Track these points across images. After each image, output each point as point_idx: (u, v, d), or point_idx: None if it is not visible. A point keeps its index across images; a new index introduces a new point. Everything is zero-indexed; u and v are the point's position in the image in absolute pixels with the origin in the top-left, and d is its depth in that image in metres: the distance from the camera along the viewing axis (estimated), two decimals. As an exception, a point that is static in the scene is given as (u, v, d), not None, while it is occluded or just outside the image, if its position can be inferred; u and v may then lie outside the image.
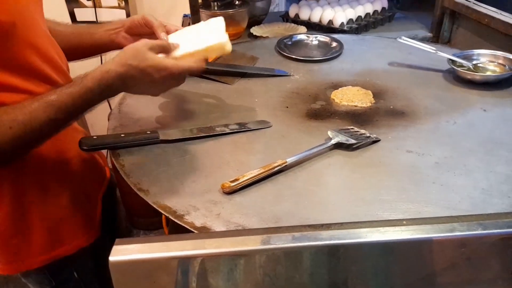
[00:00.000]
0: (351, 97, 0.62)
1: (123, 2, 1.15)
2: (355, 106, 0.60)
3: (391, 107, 0.60)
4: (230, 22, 0.96)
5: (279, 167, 0.45)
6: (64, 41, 0.54)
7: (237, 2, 0.99)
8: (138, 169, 0.46)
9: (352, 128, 0.53)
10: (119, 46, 0.54)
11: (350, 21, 1.00)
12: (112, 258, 0.30)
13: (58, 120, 0.42)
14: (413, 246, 0.32)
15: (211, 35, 0.52)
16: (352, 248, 0.31)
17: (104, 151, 0.59)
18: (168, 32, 0.53)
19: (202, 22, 0.57)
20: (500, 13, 0.81)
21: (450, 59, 0.68)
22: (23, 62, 0.43)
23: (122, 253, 0.30)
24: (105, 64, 0.44)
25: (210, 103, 0.61)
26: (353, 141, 0.50)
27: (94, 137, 0.48)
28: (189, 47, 0.50)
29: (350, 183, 0.45)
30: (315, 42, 0.82)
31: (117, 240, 0.31)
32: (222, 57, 0.73)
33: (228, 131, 0.53)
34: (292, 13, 1.06)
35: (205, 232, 0.37)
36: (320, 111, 0.59)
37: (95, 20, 1.17)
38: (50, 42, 0.48)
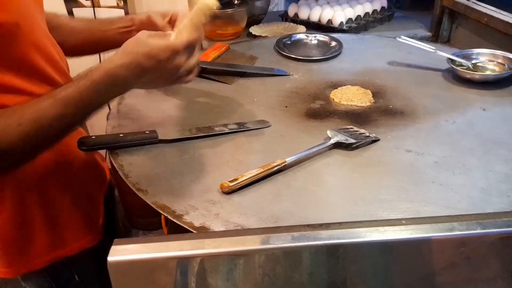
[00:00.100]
0: (351, 97, 0.62)
1: (122, 1, 1.15)
2: (355, 105, 0.60)
3: (391, 106, 0.60)
4: (229, 21, 0.96)
5: (278, 166, 0.45)
6: (77, 37, 0.54)
7: (236, 2, 0.99)
8: (137, 169, 0.46)
9: (351, 128, 0.53)
10: None
11: (349, 20, 1.00)
12: (111, 258, 0.29)
13: (67, 115, 0.40)
14: (412, 246, 0.32)
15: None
16: (351, 248, 0.31)
17: (103, 152, 0.59)
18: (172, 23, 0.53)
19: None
20: (500, 12, 0.81)
21: (449, 59, 0.68)
22: (27, 62, 0.43)
23: (121, 253, 0.30)
24: (110, 57, 0.43)
25: (209, 103, 0.61)
26: (352, 141, 0.49)
27: (93, 137, 0.48)
28: (179, 25, 0.49)
29: (349, 182, 0.45)
30: (314, 42, 0.81)
31: (115, 240, 0.31)
32: (221, 57, 0.73)
33: (227, 130, 0.53)
34: (291, 13, 1.06)
35: (204, 232, 0.37)
36: (319, 110, 0.59)
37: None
38: (51, 42, 0.48)
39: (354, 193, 0.43)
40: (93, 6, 1.14)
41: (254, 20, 1.03)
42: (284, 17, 1.08)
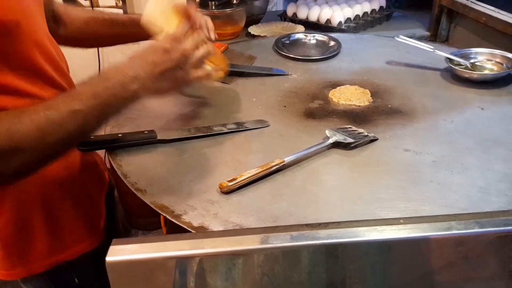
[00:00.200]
0: (349, 96, 0.62)
1: (121, 1, 1.15)
2: (353, 105, 0.60)
3: (389, 106, 0.60)
4: (228, 21, 0.96)
5: (277, 166, 0.45)
6: (108, 29, 0.56)
7: (234, 2, 0.99)
8: (135, 169, 0.46)
9: (350, 127, 0.53)
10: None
11: (348, 20, 1.00)
12: (109, 258, 0.29)
13: (79, 112, 0.38)
14: (410, 245, 0.32)
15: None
16: (350, 247, 0.31)
17: (102, 153, 0.59)
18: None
19: None
20: (498, 12, 0.81)
21: (447, 58, 0.68)
22: (28, 62, 0.43)
23: (119, 253, 0.30)
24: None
25: (207, 103, 0.61)
26: (351, 140, 0.49)
27: (92, 137, 0.48)
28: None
29: (348, 182, 0.45)
30: (313, 41, 0.81)
31: (114, 240, 0.31)
32: (219, 57, 0.73)
33: (225, 130, 0.53)
34: (290, 12, 1.06)
35: (202, 232, 0.37)
36: (318, 110, 0.59)
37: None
38: (50, 42, 0.48)
39: (353, 192, 0.43)
40: (92, 6, 1.14)
41: (253, 19, 1.03)
42: (282, 16, 1.08)
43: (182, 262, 0.31)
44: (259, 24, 1.03)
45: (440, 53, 0.68)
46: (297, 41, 0.81)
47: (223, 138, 0.52)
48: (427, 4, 1.00)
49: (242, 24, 0.98)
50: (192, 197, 0.42)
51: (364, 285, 0.33)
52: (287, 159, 0.45)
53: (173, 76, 0.43)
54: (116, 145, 0.49)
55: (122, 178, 0.45)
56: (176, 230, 0.39)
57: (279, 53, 0.76)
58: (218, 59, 0.56)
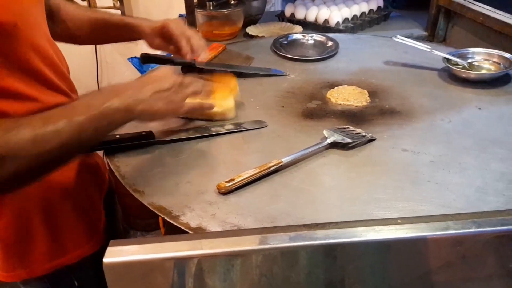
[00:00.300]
0: (347, 96, 0.62)
1: (118, 2, 1.15)
2: (351, 105, 0.60)
3: (387, 106, 0.60)
4: (226, 21, 0.96)
5: (275, 167, 0.45)
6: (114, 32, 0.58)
7: (232, 2, 0.99)
8: (133, 170, 0.46)
9: (347, 127, 0.53)
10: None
11: (345, 20, 1.00)
12: (107, 259, 0.29)
13: (75, 123, 0.38)
14: (408, 245, 0.32)
15: None
16: (348, 247, 0.31)
17: (101, 153, 0.58)
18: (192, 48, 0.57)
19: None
20: (495, 12, 0.81)
21: (445, 58, 0.68)
22: (26, 65, 0.43)
23: (117, 254, 0.30)
24: None
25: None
26: (348, 140, 0.50)
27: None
28: None
29: (346, 182, 0.45)
30: (311, 42, 0.82)
31: (111, 241, 0.31)
32: (217, 57, 0.73)
33: (223, 131, 0.53)
34: (287, 13, 1.06)
35: (200, 233, 0.37)
36: (315, 110, 0.59)
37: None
38: (51, 44, 0.48)
39: (351, 192, 0.43)
40: (89, 6, 1.13)
41: (251, 20, 1.03)
42: (280, 17, 1.08)
43: (180, 263, 0.30)
44: (257, 24, 1.02)
45: (438, 53, 0.69)
46: (295, 41, 0.81)
47: (221, 138, 0.52)
48: (425, 4, 1.01)
49: (240, 24, 0.98)
50: (190, 198, 0.42)
51: (363, 286, 0.33)
52: (285, 160, 0.45)
53: (167, 98, 0.44)
54: (113, 146, 0.49)
55: (120, 179, 0.45)
56: (174, 231, 0.39)
57: (277, 53, 0.76)
58: (226, 88, 0.58)
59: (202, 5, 0.96)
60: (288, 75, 0.69)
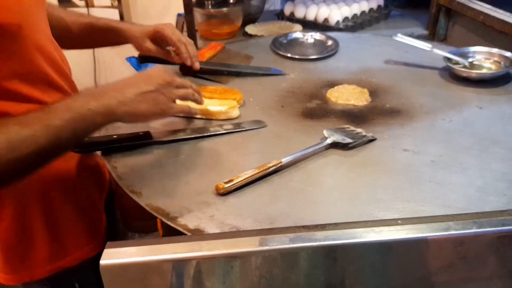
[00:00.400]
0: (347, 96, 0.61)
1: (116, 1, 1.14)
2: (351, 104, 0.60)
3: (387, 105, 0.60)
4: (224, 20, 0.96)
5: (274, 167, 0.44)
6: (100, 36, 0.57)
7: (231, 1, 0.98)
8: (130, 171, 0.45)
9: (348, 127, 0.53)
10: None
11: (345, 19, 1.00)
12: (103, 261, 0.29)
13: (52, 126, 0.38)
14: (408, 246, 0.31)
15: None
16: (347, 249, 0.31)
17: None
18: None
19: None
20: (495, 11, 0.81)
21: (446, 57, 0.68)
22: (30, 66, 0.42)
23: (114, 256, 0.29)
24: None
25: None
26: (349, 140, 0.49)
27: (86, 138, 0.47)
28: None
29: (346, 182, 0.44)
30: (311, 41, 0.81)
31: (108, 243, 0.30)
32: (216, 57, 0.72)
33: (222, 131, 0.52)
34: (287, 11, 1.06)
35: (199, 234, 0.37)
36: (315, 110, 0.59)
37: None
38: (53, 45, 0.47)
39: (351, 193, 0.43)
40: (87, 6, 1.13)
41: (250, 19, 1.02)
42: (280, 16, 1.07)
43: (178, 265, 0.30)
44: (256, 23, 1.02)
45: (438, 52, 0.68)
46: (295, 40, 0.81)
47: (219, 139, 0.51)
48: (425, 3, 1.00)
49: (239, 23, 0.97)
50: (188, 199, 0.41)
51: (363, 287, 0.32)
52: (284, 160, 0.45)
53: (152, 99, 0.43)
54: (111, 146, 0.48)
55: (117, 180, 0.44)
56: (172, 233, 0.38)
57: (276, 52, 0.75)
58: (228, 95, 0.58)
59: (200, 4, 0.96)
60: (288, 75, 0.69)
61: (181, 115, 0.54)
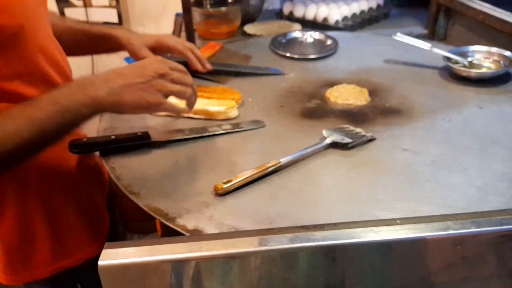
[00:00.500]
0: (347, 95, 0.61)
1: (114, 1, 1.14)
2: (351, 104, 0.60)
3: (387, 105, 0.60)
4: (223, 20, 0.95)
5: (273, 167, 0.44)
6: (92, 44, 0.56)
7: (230, 0, 0.98)
8: (129, 171, 0.45)
9: (347, 127, 0.52)
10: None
11: (345, 18, 0.99)
12: (102, 262, 0.29)
13: (36, 119, 0.37)
14: (407, 245, 0.31)
15: None
16: (346, 248, 0.31)
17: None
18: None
19: None
20: (495, 10, 0.81)
21: (445, 56, 0.67)
22: (32, 67, 0.42)
23: (112, 257, 0.29)
24: None
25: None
26: (348, 140, 0.49)
27: (84, 139, 0.47)
28: None
29: (346, 182, 0.44)
30: (310, 40, 0.81)
31: (106, 243, 0.30)
32: (214, 56, 0.72)
33: (221, 131, 0.52)
34: (286, 11, 1.05)
35: (197, 235, 0.37)
36: (315, 110, 0.59)
37: (86, 20, 1.15)
38: (55, 45, 0.47)
39: (350, 193, 0.42)
40: (85, 6, 1.13)
41: (249, 18, 1.02)
42: (279, 15, 1.07)
43: (177, 265, 0.30)
44: (255, 22, 1.02)
45: (438, 51, 0.68)
46: (294, 40, 0.81)
47: (218, 139, 0.51)
48: (425, 2, 1.00)
49: (238, 23, 0.97)
50: (186, 199, 0.41)
51: (363, 287, 0.32)
52: (283, 160, 0.45)
53: (139, 90, 0.41)
54: (109, 147, 0.48)
55: (115, 180, 0.44)
56: (171, 233, 0.38)
57: (275, 52, 0.75)
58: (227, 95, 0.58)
59: (199, 3, 0.95)
60: (287, 74, 0.68)
61: (170, 113, 0.52)
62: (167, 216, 0.39)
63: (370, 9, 1.05)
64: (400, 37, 0.72)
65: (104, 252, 0.29)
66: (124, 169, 0.46)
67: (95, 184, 0.56)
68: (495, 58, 0.68)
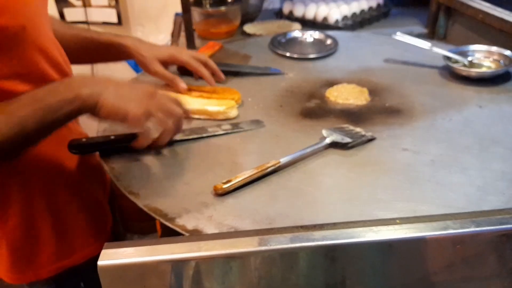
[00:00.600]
0: (346, 95, 0.61)
1: (114, 1, 1.14)
2: (351, 104, 0.60)
3: (387, 104, 0.60)
4: (222, 19, 0.95)
5: (273, 167, 0.44)
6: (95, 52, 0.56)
7: (229, 0, 0.98)
8: (128, 172, 0.45)
9: (347, 127, 0.52)
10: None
11: (345, 17, 0.99)
12: (101, 262, 0.29)
13: (16, 117, 0.37)
14: (407, 245, 0.31)
15: None
16: (346, 248, 0.31)
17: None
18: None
19: None
20: (495, 9, 0.81)
21: (445, 56, 0.67)
22: (33, 67, 0.42)
23: (112, 257, 0.29)
24: None
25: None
26: (348, 140, 0.49)
27: (83, 139, 0.47)
28: None
29: (345, 182, 0.44)
30: (310, 40, 0.81)
31: (106, 244, 0.30)
32: (214, 56, 0.72)
33: (220, 131, 0.52)
34: (286, 10, 1.05)
35: (197, 235, 0.37)
36: (315, 109, 0.59)
37: (85, 20, 1.15)
38: (56, 46, 0.47)
39: (350, 193, 0.42)
40: (84, 6, 1.13)
41: (248, 18, 1.02)
42: (278, 14, 1.07)
43: (177, 265, 0.30)
44: (255, 22, 1.02)
45: (438, 51, 0.68)
46: (294, 39, 0.80)
47: (218, 139, 0.51)
48: (425, 1, 1.00)
49: (237, 22, 0.97)
50: (186, 199, 0.41)
51: (363, 286, 0.32)
52: (283, 160, 0.45)
53: (122, 98, 0.41)
54: (108, 147, 0.48)
55: (115, 180, 0.44)
56: (170, 233, 0.38)
57: (275, 52, 0.75)
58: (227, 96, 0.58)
59: (198, 3, 0.95)
60: (287, 74, 0.68)
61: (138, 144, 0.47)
62: (167, 216, 0.39)
63: (370, 8, 1.05)
64: (400, 36, 0.71)
65: (104, 252, 0.29)
66: (124, 169, 0.46)
67: (98, 182, 0.56)
68: (495, 57, 0.68)
